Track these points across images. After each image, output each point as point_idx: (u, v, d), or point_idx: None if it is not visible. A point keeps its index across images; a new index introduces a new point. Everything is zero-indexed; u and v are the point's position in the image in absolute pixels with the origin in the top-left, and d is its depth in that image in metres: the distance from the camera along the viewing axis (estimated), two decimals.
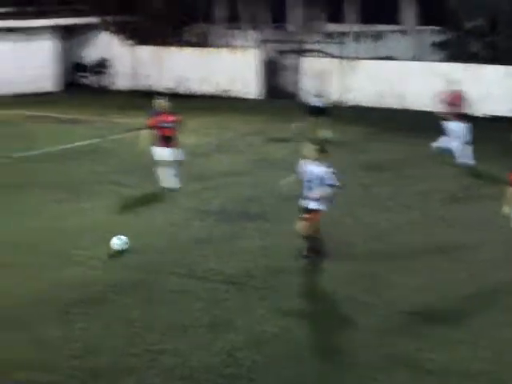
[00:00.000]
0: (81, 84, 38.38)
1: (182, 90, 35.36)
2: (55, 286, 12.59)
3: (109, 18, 37.59)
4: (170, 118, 18.33)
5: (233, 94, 34.15)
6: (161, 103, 18.70)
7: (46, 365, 9.91)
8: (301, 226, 13.42)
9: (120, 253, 14.02)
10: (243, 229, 15.63)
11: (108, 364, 9.96)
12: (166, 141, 18.17)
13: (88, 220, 16.20)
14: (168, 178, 18.35)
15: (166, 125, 18.22)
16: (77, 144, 24.15)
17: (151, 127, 18.39)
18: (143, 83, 36.48)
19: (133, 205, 17.36)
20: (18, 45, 35.28)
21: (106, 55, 37.88)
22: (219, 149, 23.51)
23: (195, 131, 25.13)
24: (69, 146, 23.87)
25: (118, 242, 14.14)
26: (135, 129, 26.18)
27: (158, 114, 18.44)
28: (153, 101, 19.08)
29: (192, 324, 11.19)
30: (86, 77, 38.47)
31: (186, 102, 32.92)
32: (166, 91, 34.63)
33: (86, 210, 16.94)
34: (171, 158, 18.26)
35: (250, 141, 24.76)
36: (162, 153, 18.23)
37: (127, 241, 14.18)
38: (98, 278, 12.99)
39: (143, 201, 17.72)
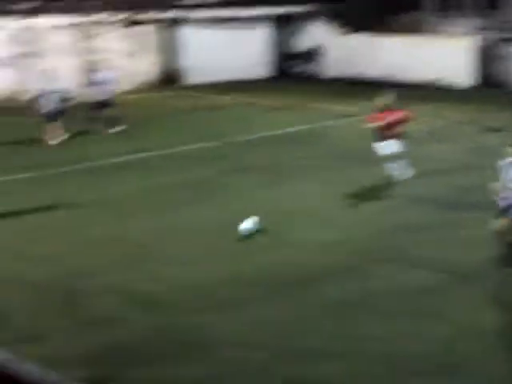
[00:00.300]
0: (293, 71, 38.92)
1: (393, 78, 35.03)
2: (269, 266, 12.80)
3: (322, 7, 37.86)
4: (396, 115, 17.86)
5: (445, 82, 33.45)
6: (384, 99, 18.15)
7: (257, 342, 10.10)
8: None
9: (247, 237, 14.10)
10: (458, 218, 15.20)
11: (315, 347, 9.99)
12: (389, 135, 17.82)
13: (300, 203, 16.38)
14: (394, 170, 17.99)
15: (390, 121, 17.74)
16: (289, 130, 24.50)
17: (375, 122, 17.94)
18: (354, 71, 36.43)
19: (345, 190, 17.35)
20: (233, 33, 36.25)
21: (318, 43, 38.15)
22: (432, 137, 23.08)
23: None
24: (281, 131, 24.26)
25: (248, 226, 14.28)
26: (346, 116, 26.34)
27: (383, 109, 17.94)
28: (377, 97, 18.50)
29: (400, 311, 11.04)
30: (297, 64, 38.95)
31: (397, 90, 32.63)
32: (376, 79, 34.54)
33: (299, 194, 17.13)
34: (395, 151, 17.86)
35: (463, 129, 24.16)
36: (385, 146, 17.88)
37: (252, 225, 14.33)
38: (312, 261, 13.06)
39: (354, 187, 17.64)
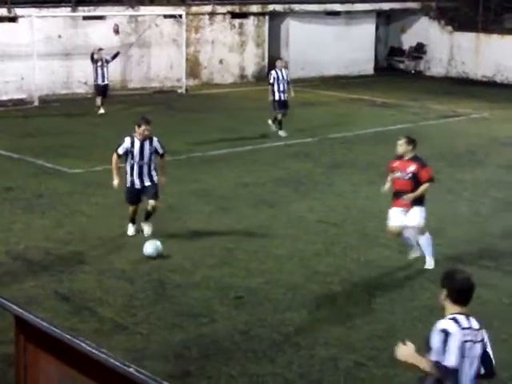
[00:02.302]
0: (396, 68, 38.59)
1: (499, 78, 34.37)
2: (361, 266, 12.78)
3: (429, 4, 37.36)
4: (410, 167, 12.39)
5: None
6: (400, 144, 12.55)
7: (347, 343, 10.11)
8: None
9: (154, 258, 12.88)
10: None
11: None
12: (400, 198, 12.49)
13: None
14: (410, 246, 12.95)
15: (400, 175, 12.54)
16: (388, 128, 24.26)
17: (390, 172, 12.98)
18: (459, 70, 35.87)
19: (442, 192, 17.07)
20: (339, 28, 36.09)
21: (423, 40, 37.67)
22: None
23: (508, 121, 24.42)
24: (380, 129, 24.06)
25: (150, 247, 12.92)
26: (449, 116, 25.95)
27: (398, 157, 12.69)
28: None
29: (504, 319, 10.87)
30: (402, 61, 38.60)
31: (504, 91, 32.04)
32: (482, 79, 33.96)
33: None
34: (409, 224, 12.52)
35: None
36: (393, 214, 12.65)
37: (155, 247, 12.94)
38: (404, 262, 12.94)
39: (448, 189, 17.33)
